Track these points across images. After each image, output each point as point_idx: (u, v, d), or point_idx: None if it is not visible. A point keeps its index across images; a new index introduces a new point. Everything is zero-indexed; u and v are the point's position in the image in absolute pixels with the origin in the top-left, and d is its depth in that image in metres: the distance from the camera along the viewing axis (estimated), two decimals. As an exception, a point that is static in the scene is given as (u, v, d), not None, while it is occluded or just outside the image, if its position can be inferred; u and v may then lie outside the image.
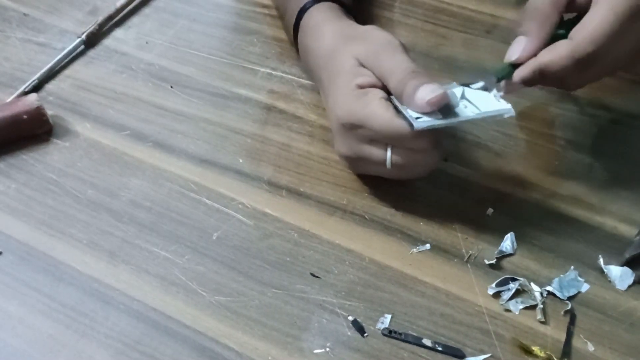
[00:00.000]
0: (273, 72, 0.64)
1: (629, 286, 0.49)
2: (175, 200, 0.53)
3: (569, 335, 0.46)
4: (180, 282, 0.48)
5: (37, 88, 0.61)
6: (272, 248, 0.50)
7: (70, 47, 0.64)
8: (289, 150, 0.57)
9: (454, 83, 0.49)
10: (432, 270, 0.49)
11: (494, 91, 0.49)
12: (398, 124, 0.46)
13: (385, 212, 0.53)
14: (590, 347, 0.46)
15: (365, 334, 0.46)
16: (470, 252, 0.50)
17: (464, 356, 0.45)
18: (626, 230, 0.52)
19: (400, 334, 0.46)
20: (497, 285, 0.48)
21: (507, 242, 0.51)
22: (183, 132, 0.58)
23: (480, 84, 0.49)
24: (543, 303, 0.47)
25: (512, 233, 0.51)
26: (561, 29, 0.50)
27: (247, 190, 0.54)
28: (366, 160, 0.50)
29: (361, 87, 0.49)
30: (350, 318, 0.47)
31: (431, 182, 0.54)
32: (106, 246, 0.50)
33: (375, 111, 0.47)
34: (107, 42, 0.66)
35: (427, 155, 0.49)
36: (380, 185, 0.54)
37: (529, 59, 0.50)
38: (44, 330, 0.46)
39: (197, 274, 0.49)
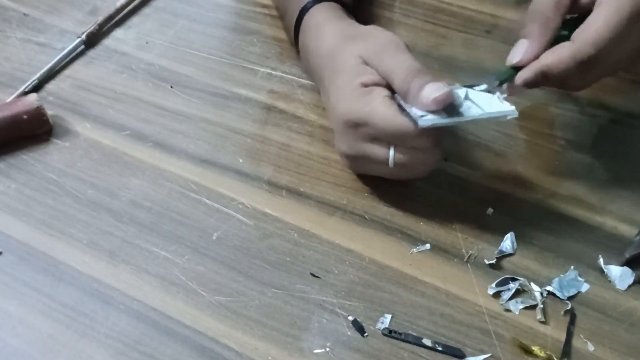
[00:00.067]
0: (273, 72, 0.64)
1: (629, 286, 0.49)
2: (175, 200, 0.53)
3: (569, 335, 0.46)
4: (180, 282, 0.48)
5: (37, 88, 0.61)
6: (272, 248, 0.50)
7: (70, 47, 0.64)
8: (289, 150, 0.57)
9: (457, 84, 0.49)
10: (432, 270, 0.49)
11: (497, 93, 0.49)
12: (401, 122, 0.46)
13: (385, 212, 0.53)
14: (590, 347, 0.46)
15: (365, 334, 0.46)
16: (470, 252, 0.50)
17: (464, 356, 0.45)
18: (626, 230, 0.52)
19: (400, 334, 0.46)
20: (497, 285, 0.48)
21: (507, 242, 0.51)
22: (183, 132, 0.58)
23: (484, 86, 0.49)
24: (543, 303, 0.47)
25: (512, 233, 0.51)
26: (564, 29, 0.50)
27: (247, 190, 0.54)
28: (368, 159, 0.50)
29: (365, 85, 0.49)
30: (350, 318, 0.47)
31: (431, 182, 0.54)
32: (106, 246, 0.50)
33: (379, 109, 0.47)
34: (107, 42, 0.66)
35: (428, 155, 0.48)
36: (380, 185, 0.54)
37: (531, 61, 0.50)
38: (44, 330, 0.46)
39: (197, 274, 0.49)
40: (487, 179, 0.55)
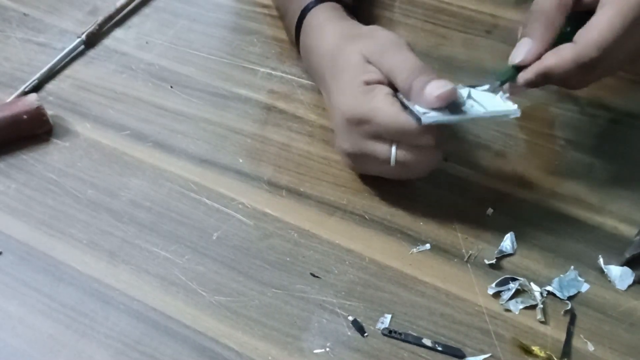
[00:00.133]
0: (273, 72, 0.64)
1: (629, 286, 0.49)
2: (175, 200, 0.53)
3: (569, 335, 0.46)
4: (180, 282, 0.48)
5: (37, 88, 0.61)
6: (272, 248, 0.50)
7: (70, 47, 0.64)
8: (289, 150, 0.57)
9: (460, 84, 0.49)
10: (432, 270, 0.49)
11: (500, 92, 0.49)
12: (404, 119, 0.46)
13: (385, 212, 0.53)
14: (590, 347, 0.46)
15: (365, 334, 0.46)
16: (470, 252, 0.50)
17: (464, 356, 0.45)
18: (626, 230, 0.52)
19: (400, 334, 0.46)
20: (497, 285, 0.48)
21: (507, 242, 0.51)
22: (183, 132, 0.58)
23: (486, 86, 0.49)
24: (543, 303, 0.47)
25: (512, 233, 0.51)
26: (566, 26, 0.50)
27: (247, 190, 0.54)
28: (369, 157, 0.50)
29: (367, 83, 0.49)
30: (350, 318, 0.47)
31: (431, 182, 0.54)
32: (106, 246, 0.50)
33: (381, 106, 0.47)
34: (107, 42, 0.66)
35: (430, 153, 0.48)
36: (381, 185, 0.54)
37: (533, 61, 0.50)
38: (44, 330, 0.46)
39: (197, 274, 0.49)
40: (487, 179, 0.55)
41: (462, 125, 0.58)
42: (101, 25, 0.67)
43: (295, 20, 0.59)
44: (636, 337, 0.46)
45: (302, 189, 0.54)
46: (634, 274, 0.49)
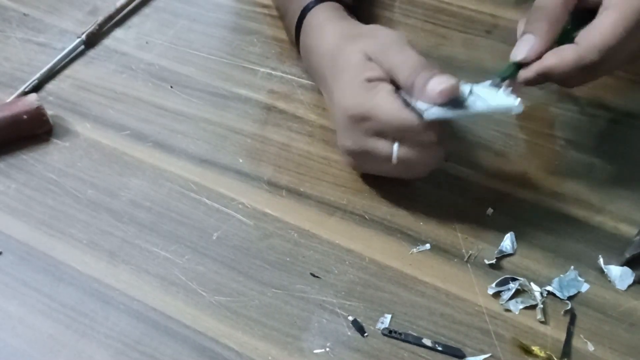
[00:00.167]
0: (273, 72, 0.64)
1: (629, 286, 0.49)
2: (175, 200, 0.53)
3: (569, 335, 0.46)
4: (180, 282, 0.48)
5: (37, 88, 0.61)
6: (272, 248, 0.50)
7: (70, 47, 0.64)
8: (289, 150, 0.57)
9: (462, 81, 0.49)
10: (432, 270, 0.49)
11: (502, 87, 0.49)
12: (406, 115, 0.46)
13: (385, 212, 0.53)
14: (590, 347, 0.46)
15: (365, 334, 0.46)
16: (470, 252, 0.50)
17: (464, 356, 0.45)
18: (626, 230, 0.52)
19: (400, 334, 0.46)
20: (497, 285, 0.48)
21: (507, 242, 0.51)
22: (183, 132, 0.58)
23: (488, 82, 0.49)
24: (543, 303, 0.47)
25: (512, 233, 0.51)
26: (567, 23, 0.50)
27: (247, 190, 0.54)
28: (371, 154, 0.50)
29: (369, 80, 0.49)
30: (350, 318, 0.47)
31: (431, 182, 0.54)
32: (106, 246, 0.50)
33: (384, 103, 0.47)
34: (107, 42, 0.66)
35: (432, 151, 0.48)
36: (380, 185, 0.54)
37: (536, 59, 0.50)
38: (44, 330, 0.46)
39: (197, 274, 0.49)
40: (487, 179, 0.55)
41: (462, 124, 0.58)
42: (101, 25, 0.67)
43: (295, 20, 0.59)
44: (636, 337, 0.46)
45: (302, 189, 0.54)
46: (634, 274, 0.49)
